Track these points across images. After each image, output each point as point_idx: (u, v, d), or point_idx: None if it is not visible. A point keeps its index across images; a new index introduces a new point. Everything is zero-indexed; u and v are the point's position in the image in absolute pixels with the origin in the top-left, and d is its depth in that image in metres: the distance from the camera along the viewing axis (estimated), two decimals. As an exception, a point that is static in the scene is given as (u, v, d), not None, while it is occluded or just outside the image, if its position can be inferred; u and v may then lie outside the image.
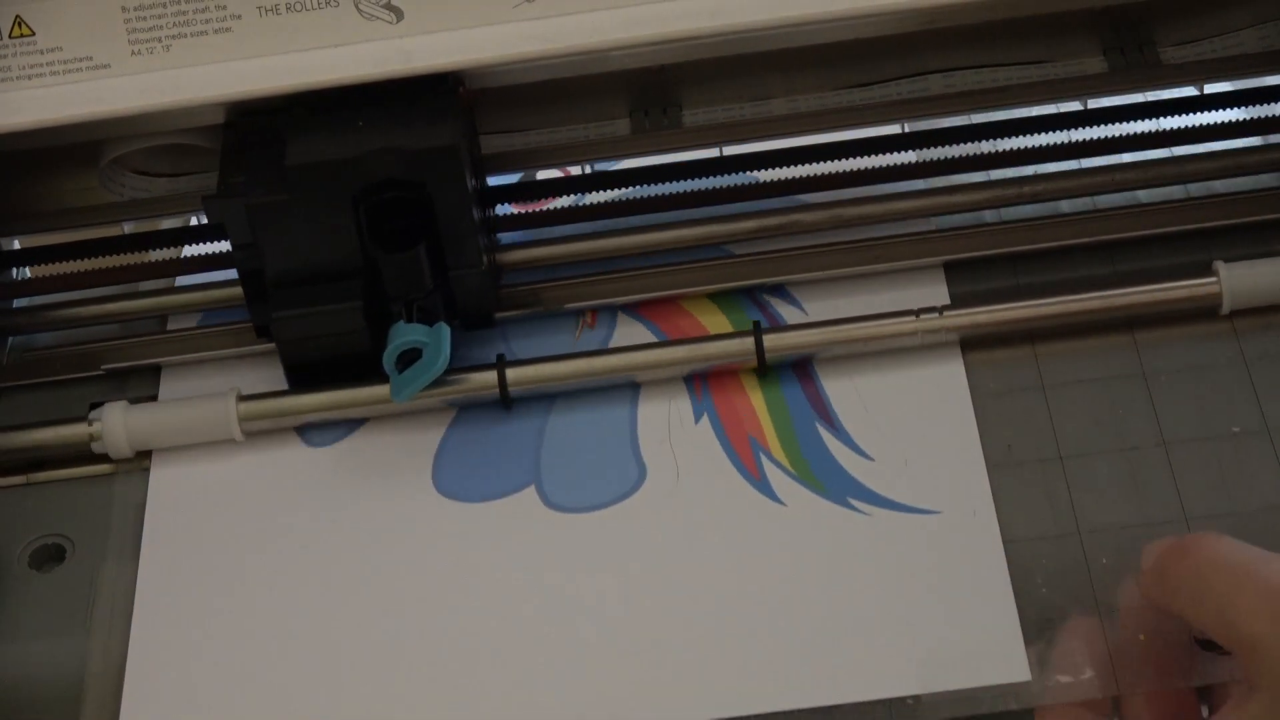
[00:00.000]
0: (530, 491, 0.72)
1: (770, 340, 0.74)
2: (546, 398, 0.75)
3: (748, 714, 0.65)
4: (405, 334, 0.71)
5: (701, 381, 0.75)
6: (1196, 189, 0.78)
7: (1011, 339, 0.74)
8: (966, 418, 0.71)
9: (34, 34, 0.73)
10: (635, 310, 0.77)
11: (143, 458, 0.75)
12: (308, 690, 0.68)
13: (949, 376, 0.73)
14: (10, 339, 0.81)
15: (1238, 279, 0.72)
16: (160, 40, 0.73)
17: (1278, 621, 0.55)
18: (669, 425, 0.73)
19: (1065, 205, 0.78)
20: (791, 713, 0.65)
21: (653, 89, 0.80)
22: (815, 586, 0.67)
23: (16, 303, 0.82)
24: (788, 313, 0.76)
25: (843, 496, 0.70)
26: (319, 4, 0.73)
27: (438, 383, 0.73)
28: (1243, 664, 0.57)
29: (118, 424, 0.74)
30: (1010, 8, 0.76)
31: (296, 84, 0.72)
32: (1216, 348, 0.72)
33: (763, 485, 0.71)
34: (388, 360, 0.71)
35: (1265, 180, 0.77)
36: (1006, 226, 0.77)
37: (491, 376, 0.74)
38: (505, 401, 0.74)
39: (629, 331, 0.77)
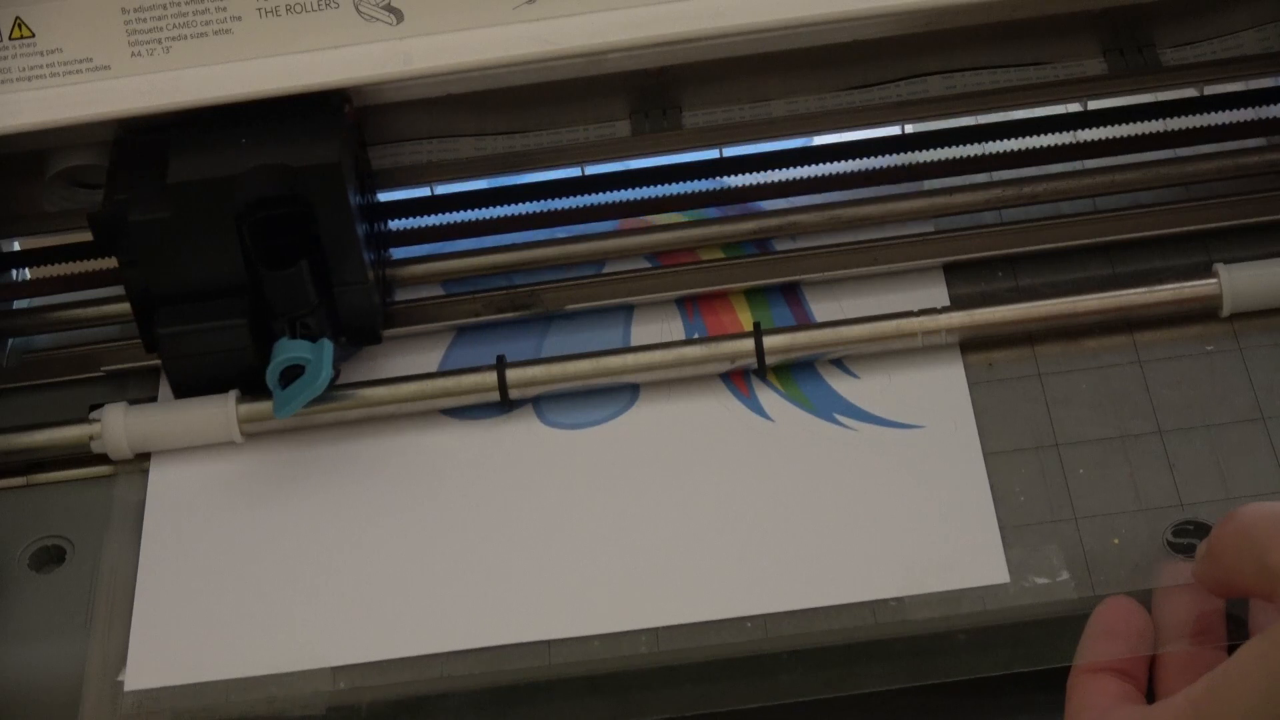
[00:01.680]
0: (528, 410, 0.74)
1: (770, 341, 0.74)
2: (544, 319, 0.77)
3: (740, 615, 0.67)
4: (288, 350, 0.71)
5: (693, 306, 0.77)
6: (1197, 190, 0.78)
7: (1012, 340, 0.74)
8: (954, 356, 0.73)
9: (34, 35, 0.73)
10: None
11: (142, 459, 0.75)
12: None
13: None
14: (10, 340, 0.81)
15: (1238, 281, 0.72)
16: (160, 42, 0.73)
17: None
18: None
19: (1065, 206, 0.78)
20: (782, 614, 0.67)
21: (653, 91, 0.80)
22: (804, 497, 0.70)
23: (16, 304, 0.82)
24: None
25: (830, 413, 0.72)
26: (319, 6, 0.73)
27: (440, 386, 0.74)
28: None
29: (118, 425, 0.74)
30: (1010, 9, 0.76)
31: (297, 85, 0.73)
32: (1217, 350, 0.72)
33: (752, 403, 0.73)
34: (270, 377, 0.72)
35: (1265, 182, 0.77)
36: (1006, 228, 0.77)
37: (491, 378, 0.74)
38: (505, 403, 0.74)
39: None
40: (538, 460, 0.73)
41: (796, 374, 0.74)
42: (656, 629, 0.67)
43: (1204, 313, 0.73)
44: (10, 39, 0.73)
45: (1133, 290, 0.73)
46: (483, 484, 0.72)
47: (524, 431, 0.74)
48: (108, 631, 0.70)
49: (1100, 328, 0.73)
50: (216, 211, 0.71)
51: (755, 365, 0.74)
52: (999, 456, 0.70)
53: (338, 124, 0.72)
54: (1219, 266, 0.73)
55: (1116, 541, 0.67)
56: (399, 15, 0.73)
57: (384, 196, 0.81)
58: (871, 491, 0.70)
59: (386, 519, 0.72)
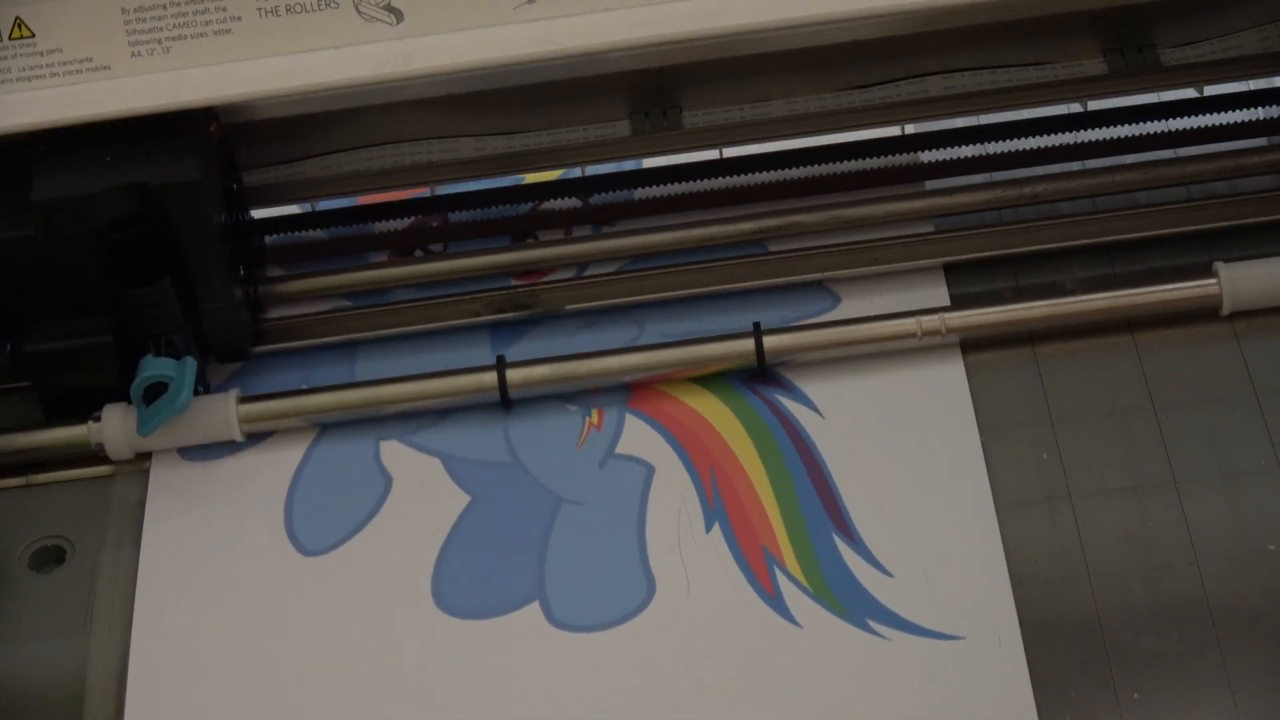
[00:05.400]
0: (534, 608, 0.69)
1: (771, 342, 0.74)
2: (551, 505, 0.72)
3: None
4: (150, 368, 0.72)
5: (713, 487, 0.71)
6: (1197, 190, 0.78)
7: (1012, 340, 0.74)
8: (990, 526, 0.68)
9: (34, 35, 0.73)
10: (640, 411, 0.74)
11: (142, 459, 0.75)
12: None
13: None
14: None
15: (1238, 280, 0.72)
16: (160, 42, 0.73)
17: None
18: (679, 534, 0.70)
19: (1065, 207, 0.78)
20: None
21: (653, 91, 0.80)
22: (833, 716, 0.64)
23: (16, 304, 0.82)
24: (790, 405, 0.74)
25: (862, 618, 0.67)
26: (319, 6, 0.73)
27: (440, 386, 0.74)
28: None
29: (118, 425, 0.74)
30: (1010, 9, 0.76)
31: (296, 86, 0.72)
32: (1217, 350, 0.72)
33: (778, 604, 0.67)
34: (134, 394, 0.72)
35: (1265, 182, 0.77)
36: (1007, 228, 0.77)
37: (492, 377, 0.74)
38: (505, 403, 0.74)
39: (636, 429, 0.74)
40: (545, 666, 0.67)
41: (826, 570, 0.68)
42: None
43: (1204, 313, 0.73)
44: (10, 39, 0.73)
45: (1133, 290, 0.73)
46: (483, 691, 0.67)
47: (530, 633, 0.68)
48: (108, 631, 0.70)
49: (1100, 328, 0.73)
50: (79, 229, 0.71)
51: (755, 365, 0.74)
52: (1047, 682, 0.64)
53: (202, 142, 0.72)
54: (1219, 266, 0.73)
55: None
56: (399, 15, 0.73)
57: (381, 197, 0.81)
58: (907, 713, 0.64)
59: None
